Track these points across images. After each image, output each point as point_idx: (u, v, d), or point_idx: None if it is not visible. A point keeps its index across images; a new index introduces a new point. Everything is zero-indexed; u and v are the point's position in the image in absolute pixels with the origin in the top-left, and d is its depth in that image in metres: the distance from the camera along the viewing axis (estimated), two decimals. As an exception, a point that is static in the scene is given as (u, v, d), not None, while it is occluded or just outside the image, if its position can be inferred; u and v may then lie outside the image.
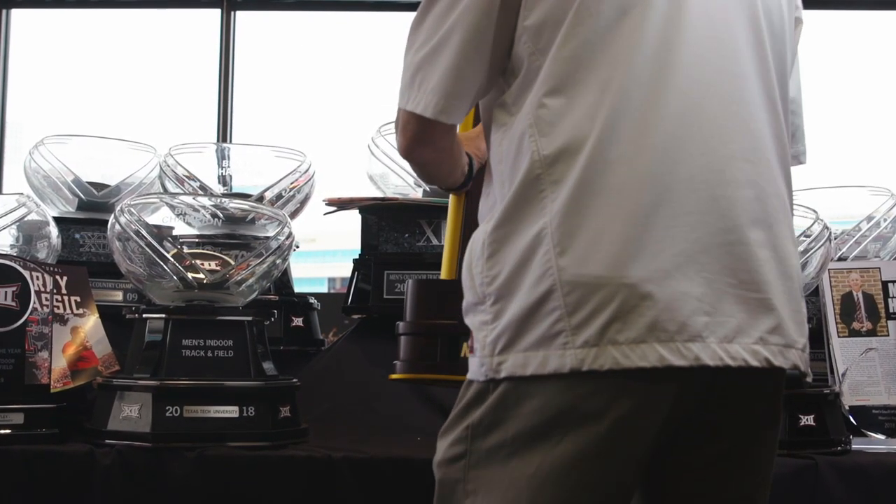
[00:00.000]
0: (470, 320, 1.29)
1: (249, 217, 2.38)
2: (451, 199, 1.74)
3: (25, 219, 2.36)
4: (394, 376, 1.77)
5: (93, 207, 2.62)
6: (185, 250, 2.09)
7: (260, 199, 2.53)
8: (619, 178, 1.18)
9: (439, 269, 1.79)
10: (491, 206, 1.30)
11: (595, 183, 1.18)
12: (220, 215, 2.38)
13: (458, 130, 1.43)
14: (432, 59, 1.25)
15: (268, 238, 2.19)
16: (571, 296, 1.17)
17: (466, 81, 1.26)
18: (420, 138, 1.31)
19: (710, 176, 1.21)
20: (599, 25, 1.21)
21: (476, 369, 1.26)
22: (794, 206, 2.12)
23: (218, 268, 2.09)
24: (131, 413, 1.92)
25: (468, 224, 1.67)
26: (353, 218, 2.54)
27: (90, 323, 2.19)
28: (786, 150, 1.33)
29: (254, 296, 2.14)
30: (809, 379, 1.37)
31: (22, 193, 2.41)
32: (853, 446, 2.01)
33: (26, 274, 2.03)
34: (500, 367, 1.22)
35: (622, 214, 1.18)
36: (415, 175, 2.44)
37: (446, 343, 1.69)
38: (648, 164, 1.19)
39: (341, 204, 2.47)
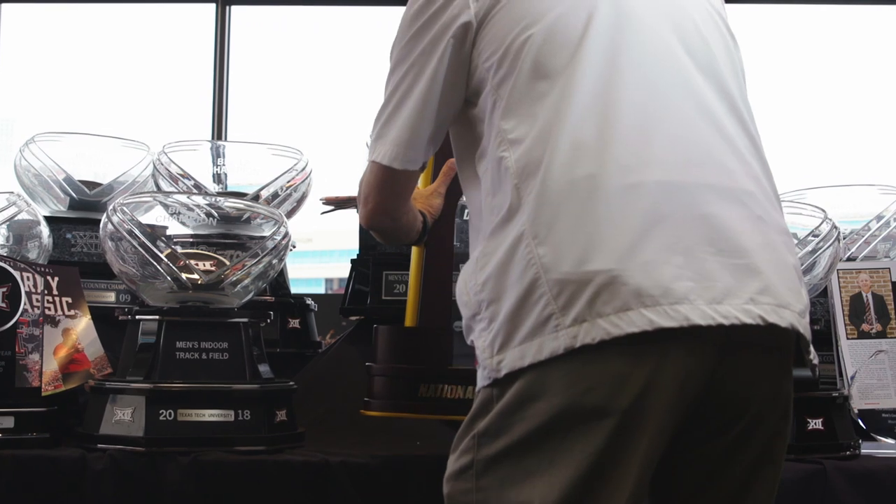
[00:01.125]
0: (473, 336, 1.32)
1: (245, 216, 2.36)
2: (413, 251, 1.85)
3: (16, 218, 2.34)
4: (364, 412, 1.88)
5: (85, 206, 2.60)
6: (179, 250, 2.06)
7: (256, 198, 2.51)
8: (588, 170, 1.24)
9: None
10: (476, 237, 1.39)
11: (564, 178, 1.24)
12: (215, 214, 2.36)
13: (418, 185, 1.64)
14: (392, 120, 1.41)
15: (264, 238, 2.17)
16: (555, 280, 1.21)
17: (420, 134, 1.41)
18: (381, 205, 1.48)
19: (674, 159, 1.26)
20: (545, 50, 1.30)
21: (480, 375, 1.29)
22: (803, 206, 2.13)
23: (213, 268, 2.07)
24: (124, 417, 1.89)
25: (429, 273, 1.82)
26: (351, 217, 2.51)
27: (82, 324, 2.17)
28: (755, 140, 1.37)
29: (249, 297, 2.11)
30: (816, 360, 1.38)
31: (12, 192, 2.39)
32: (862, 451, 2.00)
33: (16, 274, 2.00)
34: (500, 365, 1.25)
35: (594, 200, 1.23)
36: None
37: (404, 384, 1.82)
38: (613, 155, 1.25)
39: (339, 203, 2.45)
